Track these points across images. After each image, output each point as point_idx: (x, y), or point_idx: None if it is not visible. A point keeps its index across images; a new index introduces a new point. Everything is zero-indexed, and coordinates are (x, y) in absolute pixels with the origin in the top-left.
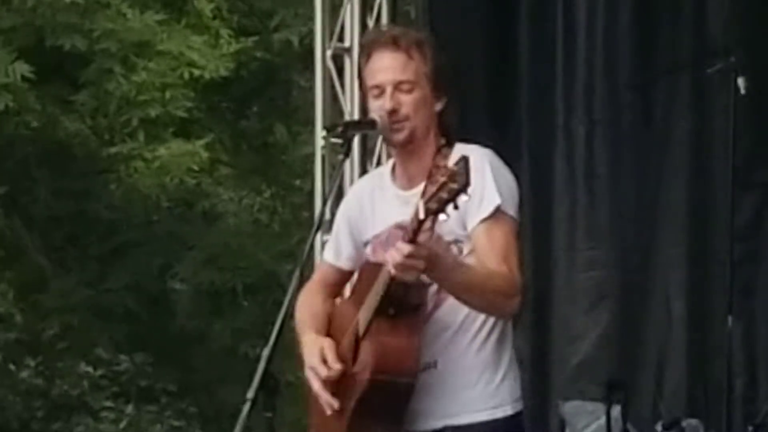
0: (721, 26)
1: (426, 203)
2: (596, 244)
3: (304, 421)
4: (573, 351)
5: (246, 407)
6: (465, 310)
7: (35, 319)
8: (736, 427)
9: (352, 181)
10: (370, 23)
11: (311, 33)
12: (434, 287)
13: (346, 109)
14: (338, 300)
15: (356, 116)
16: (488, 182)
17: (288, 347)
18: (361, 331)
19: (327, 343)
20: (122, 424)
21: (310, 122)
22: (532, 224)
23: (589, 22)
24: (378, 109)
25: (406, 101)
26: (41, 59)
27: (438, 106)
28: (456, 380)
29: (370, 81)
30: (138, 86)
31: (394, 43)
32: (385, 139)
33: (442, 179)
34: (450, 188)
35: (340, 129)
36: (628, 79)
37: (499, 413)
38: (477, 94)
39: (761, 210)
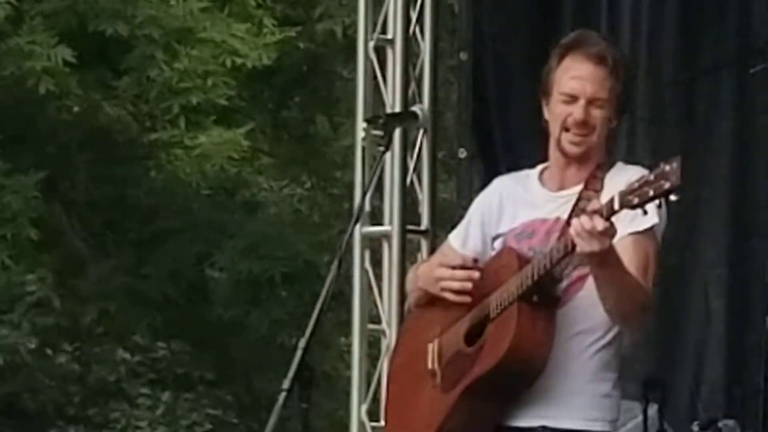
0: (766, 25)
1: (624, 195)
2: None
3: (341, 413)
4: None
5: (281, 398)
6: (590, 313)
7: (73, 304)
8: None
9: (392, 174)
10: (414, 15)
11: (354, 24)
12: (563, 284)
13: (388, 101)
14: None
15: (398, 109)
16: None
17: (325, 338)
18: (494, 312)
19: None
20: (158, 411)
21: (352, 114)
22: None
23: (634, 19)
24: (562, 113)
25: (596, 118)
26: (83, 44)
27: (614, 123)
28: (563, 383)
29: (563, 86)
30: (180, 73)
31: (601, 59)
32: (556, 145)
33: (650, 177)
34: (659, 185)
35: (381, 121)
36: (672, 76)
37: (597, 426)
38: (520, 88)
39: None
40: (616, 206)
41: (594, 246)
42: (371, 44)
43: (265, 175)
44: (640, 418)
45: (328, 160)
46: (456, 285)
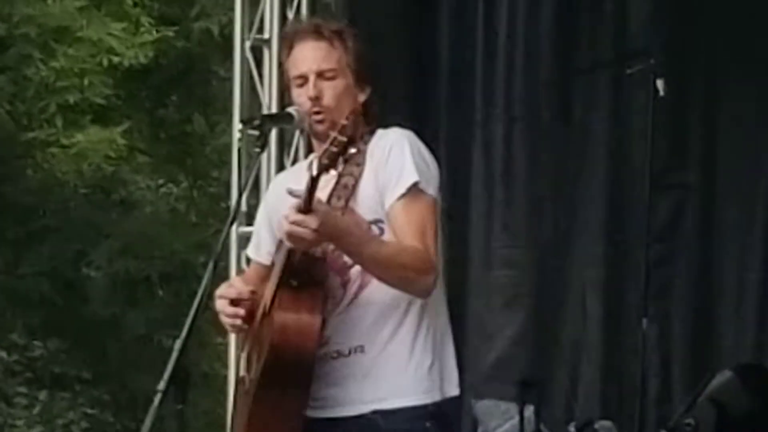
0: (642, 27)
1: (318, 161)
2: (513, 242)
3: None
4: (487, 349)
5: (157, 399)
6: (392, 291)
7: None
8: (649, 430)
9: (268, 174)
10: (290, 15)
11: (231, 23)
12: (358, 268)
13: (264, 101)
14: None
15: (274, 109)
16: (407, 160)
17: (203, 338)
18: (268, 305)
19: (237, 279)
20: (35, 410)
21: (229, 113)
22: (449, 220)
23: (510, 18)
24: (300, 98)
25: (329, 90)
26: None
27: (362, 97)
28: (386, 365)
29: (293, 71)
30: (57, 72)
31: (317, 32)
32: (308, 130)
33: (332, 135)
34: (339, 140)
35: (257, 122)
36: (548, 76)
37: (428, 399)
38: (396, 89)
39: (677, 212)
40: (315, 172)
41: (301, 242)
42: (248, 44)
43: (141, 174)
44: (517, 419)
45: (205, 159)
46: (228, 321)
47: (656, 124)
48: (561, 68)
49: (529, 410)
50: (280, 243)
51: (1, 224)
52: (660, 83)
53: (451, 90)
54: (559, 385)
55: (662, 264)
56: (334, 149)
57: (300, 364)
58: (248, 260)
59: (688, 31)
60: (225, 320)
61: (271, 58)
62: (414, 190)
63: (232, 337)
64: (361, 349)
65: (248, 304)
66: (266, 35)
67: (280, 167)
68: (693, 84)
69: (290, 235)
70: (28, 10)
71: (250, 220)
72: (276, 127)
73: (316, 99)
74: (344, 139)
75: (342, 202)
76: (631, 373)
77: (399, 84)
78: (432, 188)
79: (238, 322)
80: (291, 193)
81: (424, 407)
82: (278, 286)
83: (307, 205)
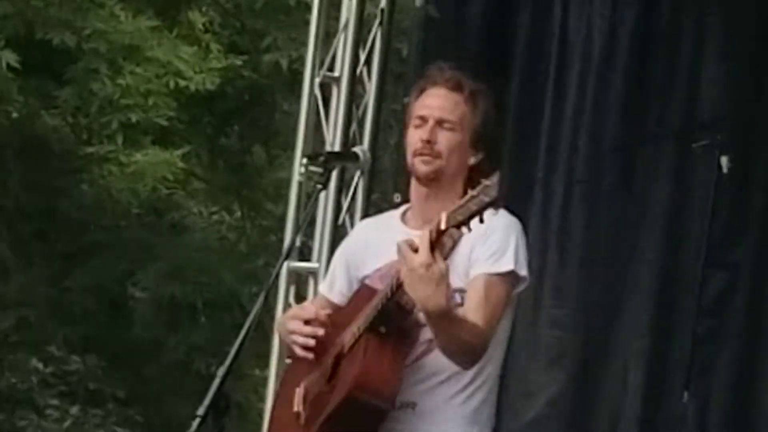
0: (714, 101)
1: (450, 214)
2: (562, 303)
3: None
4: (526, 408)
5: (195, 423)
6: None
7: None
8: None
9: (324, 212)
10: (362, 56)
11: (301, 58)
12: (428, 333)
13: (328, 139)
14: None
15: (337, 147)
16: (511, 246)
17: (241, 370)
18: (347, 346)
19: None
20: (66, 424)
21: (290, 147)
22: None
23: (581, 80)
24: (413, 137)
25: (443, 138)
26: (29, 51)
27: (472, 160)
28: (431, 428)
29: (416, 112)
30: (122, 89)
31: (456, 85)
32: (411, 170)
33: (473, 192)
34: (479, 200)
35: (322, 158)
36: (614, 142)
37: None
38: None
39: (728, 290)
40: (443, 225)
41: (422, 284)
42: (317, 80)
43: (196, 200)
44: None
45: (260, 192)
46: (300, 340)
47: (717, 200)
48: (627, 135)
49: None
50: (366, 288)
51: (52, 236)
52: (724, 160)
53: (515, 147)
54: None
55: (708, 340)
56: (473, 207)
57: (375, 412)
58: (297, 296)
59: (760, 110)
60: (297, 340)
61: (339, 96)
62: (505, 275)
63: (272, 371)
64: (412, 406)
65: (325, 328)
66: (336, 73)
67: (337, 206)
68: (758, 164)
69: (413, 274)
70: (100, 25)
71: (301, 256)
72: (340, 165)
73: (428, 142)
74: (487, 199)
75: (448, 243)
76: None
77: None
78: (520, 284)
79: (312, 342)
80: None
81: None
82: (366, 330)
83: (436, 235)
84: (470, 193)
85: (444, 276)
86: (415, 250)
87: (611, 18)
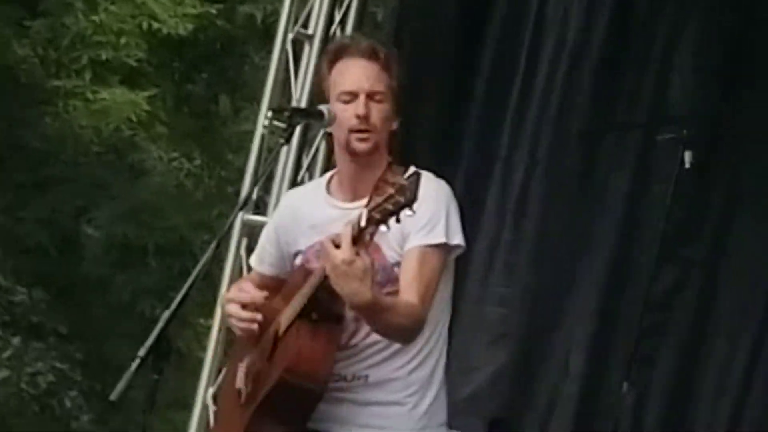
0: (683, 97)
1: (370, 211)
2: (511, 283)
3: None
4: (465, 382)
5: (135, 364)
6: None
7: None
8: None
9: (284, 167)
10: (337, 16)
11: (276, 12)
12: None
13: (295, 95)
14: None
15: (303, 105)
16: (442, 215)
17: (185, 317)
18: (282, 330)
19: (247, 283)
20: (5, 354)
21: (256, 100)
22: None
23: (553, 62)
24: (346, 113)
25: (377, 112)
26: None
27: (394, 125)
28: (386, 396)
29: (340, 86)
30: (95, 26)
31: (373, 53)
32: (345, 147)
33: (390, 191)
34: (396, 201)
35: (287, 113)
36: (579, 127)
37: None
38: (426, 110)
39: (678, 285)
40: (363, 223)
41: (345, 281)
42: (290, 36)
43: (157, 144)
44: None
45: (222, 141)
46: (240, 326)
47: (675, 194)
48: (594, 121)
49: None
50: (302, 268)
51: (9, 166)
52: (688, 155)
53: (481, 120)
54: (528, 430)
55: (653, 333)
56: (390, 207)
57: (310, 391)
58: (248, 248)
59: (727, 109)
60: (237, 324)
61: (310, 54)
62: (439, 246)
63: (216, 321)
64: (365, 378)
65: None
66: (310, 31)
67: (297, 164)
68: (720, 163)
69: (336, 271)
70: None
71: (256, 210)
72: (305, 121)
73: (365, 118)
74: (403, 200)
75: (367, 237)
76: None
77: (430, 105)
78: (453, 253)
79: (254, 327)
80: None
81: None
82: (298, 316)
83: (357, 232)
84: (388, 191)
85: (367, 270)
86: (337, 246)
87: (589, 3)
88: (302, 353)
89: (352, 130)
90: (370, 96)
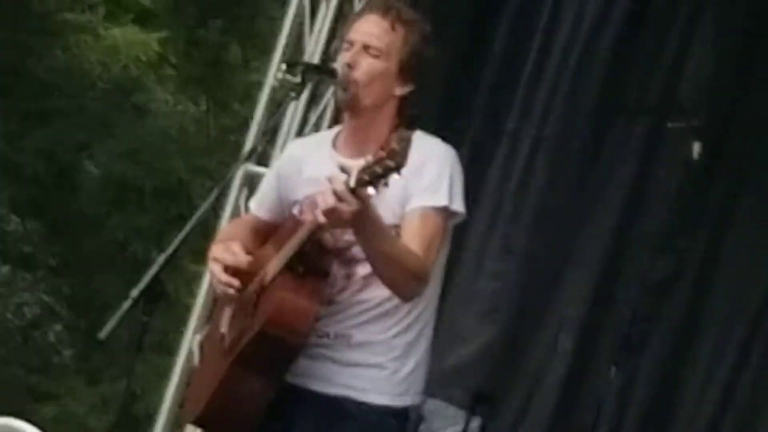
0: (695, 87)
1: (360, 173)
2: (508, 257)
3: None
4: (452, 352)
5: (126, 304)
6: (394, 297)
7: None
8: None
9: (291, 122)
10: None
11: None
12: (364, 270)
13: (308, 50)
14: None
15: (316, 61)
16: (445, 179)
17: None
18: (267, 280)
19: (236, 244)
20: None
21: (267, 52)
22: None
23: (569, 41)
24: (340, 63)
25: (364, 65)
26: None
27: (399, 90)
28: (367, 358)
29: (347, 34)
30: None
31: (386, 11)
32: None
33: (382, 154)
34: (386, 164)
35: (301, 68)
36: (589, 109)
37: (399, 402)
38: (437, 77)
39: (674, 275)
40: (352, 184)
41: (338, 220)
42: None
43: (164, 86)
44: (460, 427)
45: (229, 90)
46: (219, 287)
47: (680, 184)
48: (604, 104)
49: (476, 422)
50: (293, 217)
51: (14, 94)
52: (696, 146)
53: (492, 92)
54: (511, 406)
55: (645, 320)
56: (379, 170)
57: (289, 345)
58: (247, 199)
59: (741, 103)
60: (216, 285)
61: (327, 10)
62: (441, 209)
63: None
64: (348, 338)
65: (244, 274)
66: None
67: (304, 120)
68: (727, 156)
69: (332, 210)
70: None
71: (258, 161)
72: (317, 77)
73: (349, 67)
74: (392, 165)
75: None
76: (584, 414)
77: (441, 73)
78: (454, 218)
79: (231, 291)
80: (342, 169)
81: (394, 409)
82: (285, 267)
83: (351, 190)
84: (378, 154)
85: (368, 204)
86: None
87: None
88: (284, 306)
89: (339, 80)
90: (365, 48)
